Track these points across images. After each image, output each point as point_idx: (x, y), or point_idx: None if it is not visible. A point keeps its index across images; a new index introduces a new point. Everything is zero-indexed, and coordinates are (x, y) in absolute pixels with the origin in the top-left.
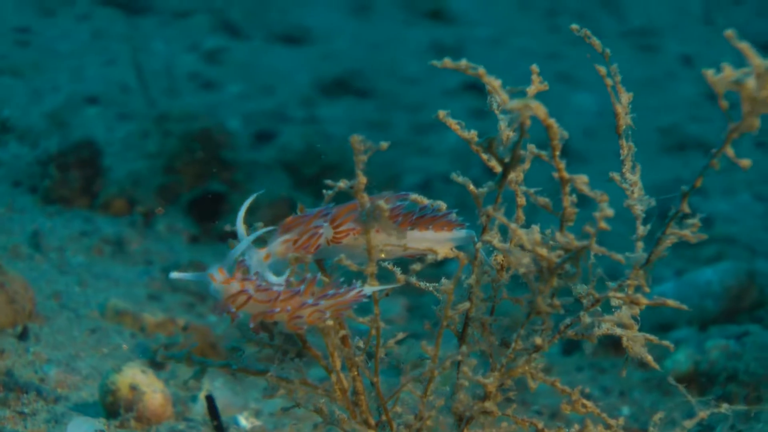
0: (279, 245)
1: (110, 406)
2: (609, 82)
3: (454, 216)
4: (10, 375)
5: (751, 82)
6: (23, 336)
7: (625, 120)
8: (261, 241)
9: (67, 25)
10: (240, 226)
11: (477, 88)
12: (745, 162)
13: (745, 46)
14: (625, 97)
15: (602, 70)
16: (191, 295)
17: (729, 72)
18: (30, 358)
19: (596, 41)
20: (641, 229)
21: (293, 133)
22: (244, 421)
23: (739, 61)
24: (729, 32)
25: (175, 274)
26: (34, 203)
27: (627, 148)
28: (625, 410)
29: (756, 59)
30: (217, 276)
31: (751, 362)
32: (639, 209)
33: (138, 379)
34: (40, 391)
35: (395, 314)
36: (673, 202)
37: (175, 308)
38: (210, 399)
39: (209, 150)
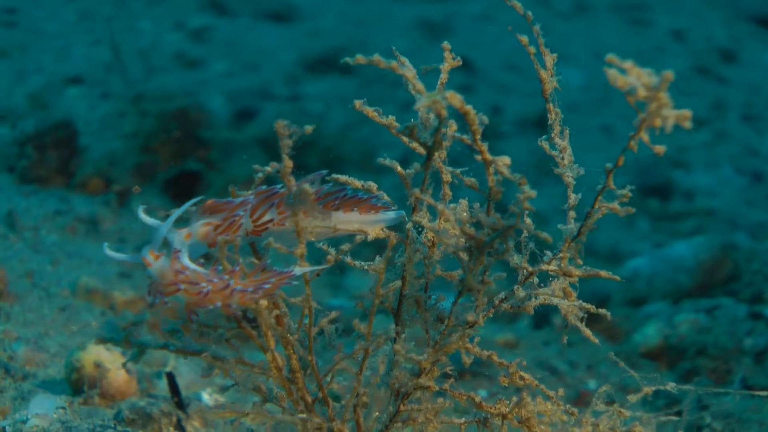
0: (200, 227)
1: (75, 384)
2: (532, 49)
3: (386, 197)
4: None
5: (642, 92)
6: None
7: (551, 84)
8: (183, 221)
9: (54, 6)
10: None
11: (464, 65)
12: (659, 149)
13: (629, 65)
14: (549, 59)
15: (524, 39)
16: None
17: (621, 82)
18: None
19: (517, 3)
20: (572, 198)
21: (274, 110)
22: (207, 397)
23: (728, 36)
24: (610, 56)
25: (108, 252)
26: (10, 183)
27: (555, 113)
28: (592, 384)
29: (644, 78)
30: (149, 259)
31: (721, 336)
32: (569, 177)
33: (102, 357)
34: (8, 368)
35: (366, 290)
36: (655, 176)
37: (145, 285)
38: (170, 376)
39: (186, 129)
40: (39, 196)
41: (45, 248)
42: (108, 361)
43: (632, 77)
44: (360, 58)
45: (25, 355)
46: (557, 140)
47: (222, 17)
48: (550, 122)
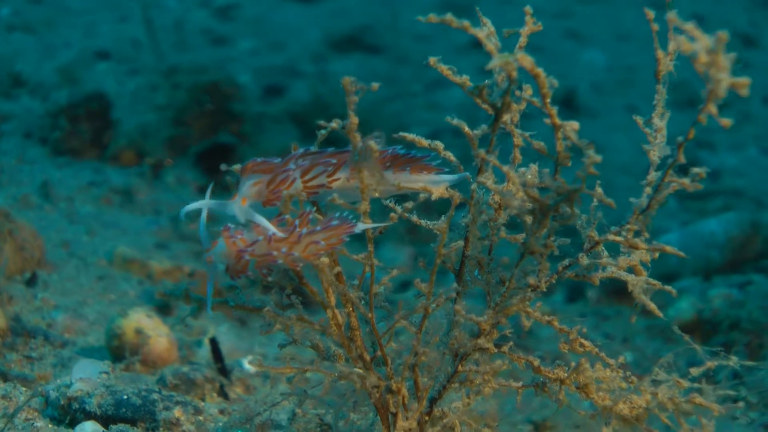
0: (250, 188)
1: (116, 350)
2: (656, 27)
3: (452, 159)
4: (18, 320)
5: (703, 57)
6: (31, 283)
7: (666, 66)
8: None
9: None
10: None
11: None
12: (726, 122)
13: (690, 27)
14: (674, 44)
15: (650, 14)
16: (198, 244)
17: (687, 46)
18: (38, 304)
19: None
20: (652, 175)
21: (302, 87)
22: (248, 364)
23: (749, 21)
24: (671, 16)
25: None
26: (44, 155)
27: (661, 93)
28: (628, 356)
29: (703, 40)
30: (210, 256)
31: (754, 310)
32: (655, 155)
33: (143, 324)
34: (47, 336)
35: (401, 263)
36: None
37: (182, 256)
38: (213, 341)
39: (218, 102)
40: (73, 168)
41: (80, 218)
42: (149, 327)
43: (695, 41)
44: (432, 17)
45: (64, 323)
46: (656, 120)
47: None
48: (654, 102)
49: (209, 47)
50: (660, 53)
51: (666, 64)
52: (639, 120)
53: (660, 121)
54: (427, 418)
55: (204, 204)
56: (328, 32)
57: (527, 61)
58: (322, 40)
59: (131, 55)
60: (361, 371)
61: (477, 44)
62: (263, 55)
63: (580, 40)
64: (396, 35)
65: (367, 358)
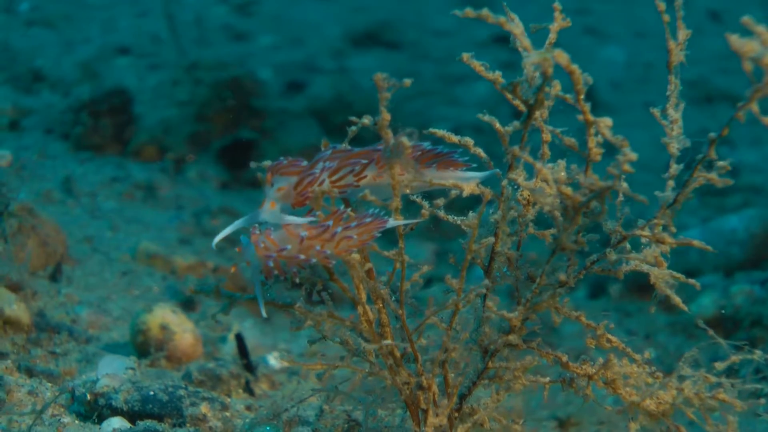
0: (277, 191)
1: (141, 346)
2: (666, 17)
3: (482, 155)
4: (42, 316)
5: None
6: (55, 278)
7: (677, 56)
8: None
9: None
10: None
11: (507, 40)
12: None
13: (762, 30)
14: (683, 33)
15: (661, 5)
16: (222, 239)
17: (749, 47)
18: (62, 300)
19: None
20: (674, 168)
21: (323, 82)
22: (273, 360)
23: (765, 17)
24: (746, 18)
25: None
26: (66, 150)
27: (674, 84)
28: (651, 352)
29: None
30: (242, 262)
31: None
32: (675, 148)
33: (168, 319)
34: (71, 331)
35: (424, 259)
36: (700, 148)
37: (205, 251)
38: (239, 337)
39: (240, 98)
40: (95, 163)
41: (103, 214)
42: (174, 323)
43: (759, 43)
44: (469, 12)
45: (89, 319)
46: (671, 111)
47: None
48: (668, 93)
49: (229, 43)
50: (671, 44)
51: (677, 54)
52: (656, 112)
53: (675, 112)
54: (456, 414)
55: (235, 226)
56: (348, 28)
57: (563, 58)
58: (342, 36)
59: (151, 50)
60: (397, 354)
61: (498, 39)
62: (283, 51)
63: (598, 37)
64: (415, 30)
65: (398, 354)
